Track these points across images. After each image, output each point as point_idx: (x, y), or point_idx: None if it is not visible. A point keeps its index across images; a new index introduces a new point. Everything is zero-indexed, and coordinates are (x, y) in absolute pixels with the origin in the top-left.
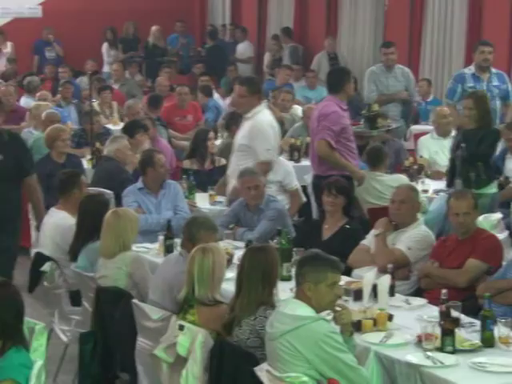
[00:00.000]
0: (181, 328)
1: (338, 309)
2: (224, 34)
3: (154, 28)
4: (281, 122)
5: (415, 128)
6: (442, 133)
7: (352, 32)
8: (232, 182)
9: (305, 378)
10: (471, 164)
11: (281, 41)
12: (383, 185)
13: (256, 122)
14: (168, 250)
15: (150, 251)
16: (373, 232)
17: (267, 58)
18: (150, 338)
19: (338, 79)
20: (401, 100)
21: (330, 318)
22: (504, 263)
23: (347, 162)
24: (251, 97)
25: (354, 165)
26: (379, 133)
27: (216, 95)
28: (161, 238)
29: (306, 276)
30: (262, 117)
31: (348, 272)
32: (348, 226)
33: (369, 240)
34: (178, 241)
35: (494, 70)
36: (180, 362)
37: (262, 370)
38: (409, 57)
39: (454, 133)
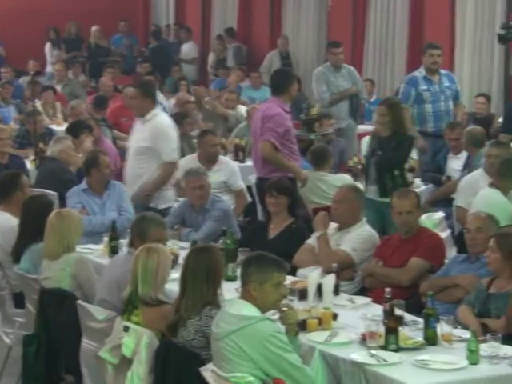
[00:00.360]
0: (126, 329)
1: (283, 309)
2: (168, 34)
3: (93, 28)
4: (225, 119)
5: (359, 128)
6: None
7: (296, 32)
8: (132, 188)
9: (250, 378)
10: (387, 171)
11: (225, 41)
12: (328, 184)
13: (157, 123)
14: (113, 250)
15: (94, 252)
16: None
17: (211, 58)
18: (94, 339)
19: (282, 81)
20: (349, 97)
21: (275, 317)
22: (446, 261)
23: (291, 163)
24: (143, 99)
25: (298, 166)
26: (317, 137)
27: (161, 96)
28: (105, 239)
29: (252, 276)
30: (162, 118)
31: (293, 271)
32: (294, 226)
33: (314, 239)
34: (122, 241)
35: (442, 71)
36: (125, 363)
37: (207, 371)
38: (352, 57)
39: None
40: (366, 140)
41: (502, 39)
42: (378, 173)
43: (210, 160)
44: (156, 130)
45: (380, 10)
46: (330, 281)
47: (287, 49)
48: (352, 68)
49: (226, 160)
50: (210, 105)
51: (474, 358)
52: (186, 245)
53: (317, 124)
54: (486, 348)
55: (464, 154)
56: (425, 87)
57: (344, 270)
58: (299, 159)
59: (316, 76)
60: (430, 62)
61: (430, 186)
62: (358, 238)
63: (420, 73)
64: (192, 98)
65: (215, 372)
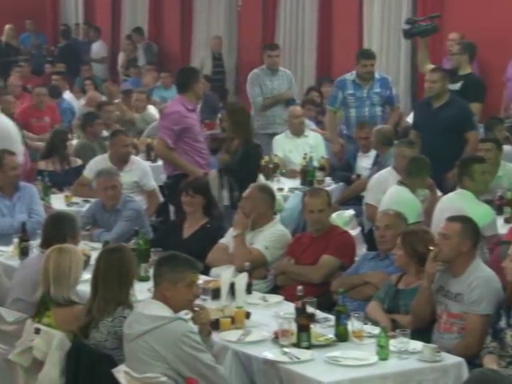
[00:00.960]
0: (37, 331)
1: (196, 309)
2: (77, 33)
3: (7, 27)
4: (131, 123)
5: None
6: (296, 132)
7: (206, 31)
8: None
9: (163, 379)
10: (244, 188)
11: (134, 40)
12: None
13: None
14: (23, 252)
15: (3, 254)
16: (231, 231)
17: (121, 57)
18: (4, 342)
19: (186, 79)
20: (285, 102)
21: (187, 317)
22: (357, 259)
23: (184, 161)
24: None
25: (202, 165)
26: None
27: (70, 95)
28: (15, 240)
29: (164, 276)
30: (1, 117)
31: (206, 271)
32: (208, 225)
33: (227, 239)
34: (33, 243)
35: (378, 76)
36: (36, 365)
37: (119, 372)
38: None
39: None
40: (277, 139)
41: (407, 34)
42: (229, 181)
43: (121, 160)
44: (2, 129)
45: (289, 10)
46: (242, 280)
47: (220, 50)
48: (288, 71)
49: (138, 160)
50: (118, 109)
51: (383, 353)
52: (98, 245)
53: None
54: (395, 343)
55: (373, 153)
56: (351, 91)
57: (256, 268)
58: (207, 157)
59: (250, 79)
60: (363, 72)
61: (341, 184)
62: (270, 236)
63: (351, 75)
64: (103, 98)
65: (128, 373)
